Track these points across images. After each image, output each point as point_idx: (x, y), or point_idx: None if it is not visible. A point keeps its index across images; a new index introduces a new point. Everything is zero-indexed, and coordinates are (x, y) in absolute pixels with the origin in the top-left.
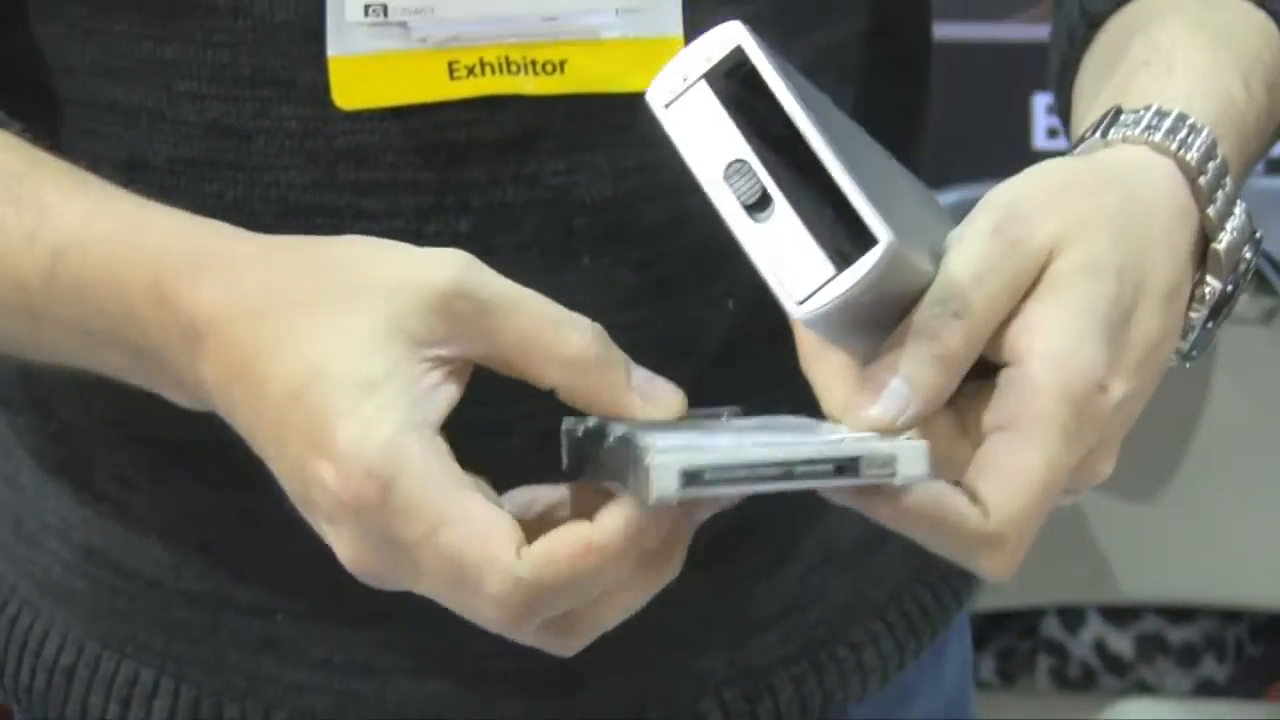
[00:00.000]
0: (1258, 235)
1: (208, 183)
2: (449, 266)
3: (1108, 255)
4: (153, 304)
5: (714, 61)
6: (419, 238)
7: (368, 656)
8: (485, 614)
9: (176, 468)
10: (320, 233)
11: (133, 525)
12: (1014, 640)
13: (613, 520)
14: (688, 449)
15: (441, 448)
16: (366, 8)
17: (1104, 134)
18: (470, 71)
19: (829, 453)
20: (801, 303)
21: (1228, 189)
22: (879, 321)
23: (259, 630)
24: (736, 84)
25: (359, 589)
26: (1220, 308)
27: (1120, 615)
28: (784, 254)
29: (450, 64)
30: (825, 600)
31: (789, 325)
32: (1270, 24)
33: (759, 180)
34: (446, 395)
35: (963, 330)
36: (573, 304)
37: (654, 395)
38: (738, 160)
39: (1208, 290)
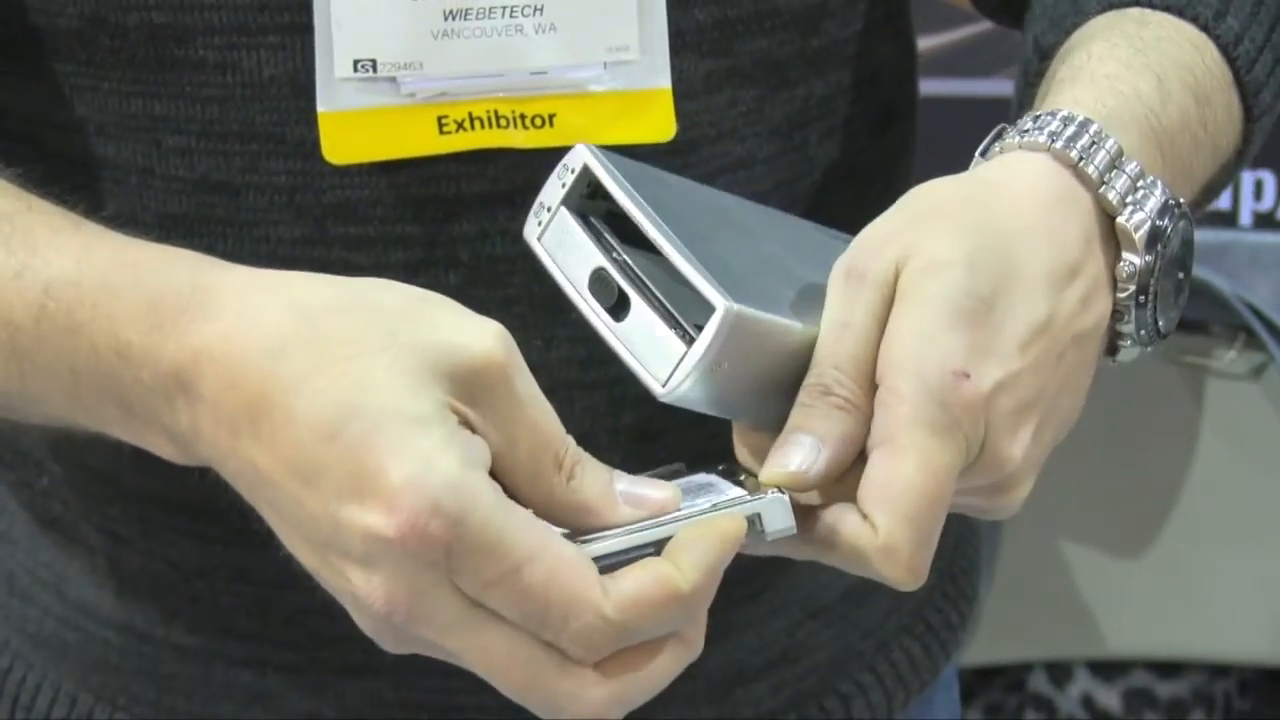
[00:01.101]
0: (1174, 204)
1: (197, 238)
2: (493, 339)
3: (951, 250)
4: (149, 338)
5: (568, 186)
6: None
7: (358, 709)
8: (569, 649)
9: (167, 523)
10: None
11: (124, 580)
12: (1001, 695)
13: (697, 565)
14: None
15: (501, 490)
16: (356, 63)
17: (984, 153)
18: (459, 126)
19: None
20: (664, 384)
21: (1129, 169)
22: (778, 383)
23: (250, 683)
24: (592, 203)
25: (349, 642)
26: (1147, 286)
27: (1108, 670)
28: (644, 345)
29: (439, 119)
30: (814, 652)
31: None
32: (1208, 43)
33: (615, 283)
34: (486, 449)
35: (848, 375)
36: (560, 357)
37: (641, 502)
38: (595, 269)
39: (1126, 267)
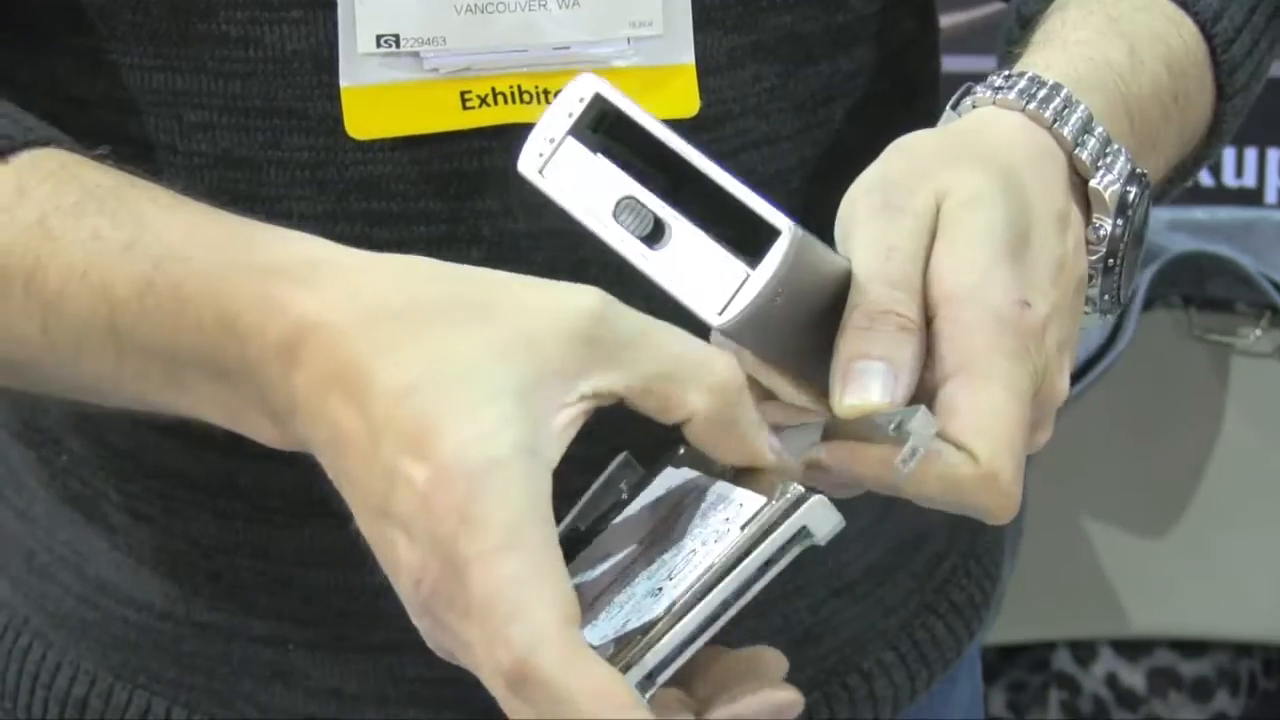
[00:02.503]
0: (1140, 172)
1: None
2: (590, 295)
3: (987, 184)
4: (257, 310)
5: (576, 115)
6: None
7: (380, 687)
8: (498, 660)
9: (188, 499)
10: None
11: (144, 557)
12: (1025, 674)
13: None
14: (625, 653)
15: (545, 488)
16: (379, 38)
17: (954, 106)
18: (482, 101)
19: (751, 567)
20: (721, 312)
21: (1098, 133)
22: (804, 325)
23: (271, 660)
24: (603, 133)
25: (371, 618)
26: (1117, 250)
27: (1132, 649)
28: (692, 273)
29: (462, 94)
30: (837, 630)
31: None
32: (1186, 18)
33: (649, 211)
34: (568, 436)
35: (904, 296)
36: None
37: (783, 457)
38: (624, 198)
39: (1100, 231)
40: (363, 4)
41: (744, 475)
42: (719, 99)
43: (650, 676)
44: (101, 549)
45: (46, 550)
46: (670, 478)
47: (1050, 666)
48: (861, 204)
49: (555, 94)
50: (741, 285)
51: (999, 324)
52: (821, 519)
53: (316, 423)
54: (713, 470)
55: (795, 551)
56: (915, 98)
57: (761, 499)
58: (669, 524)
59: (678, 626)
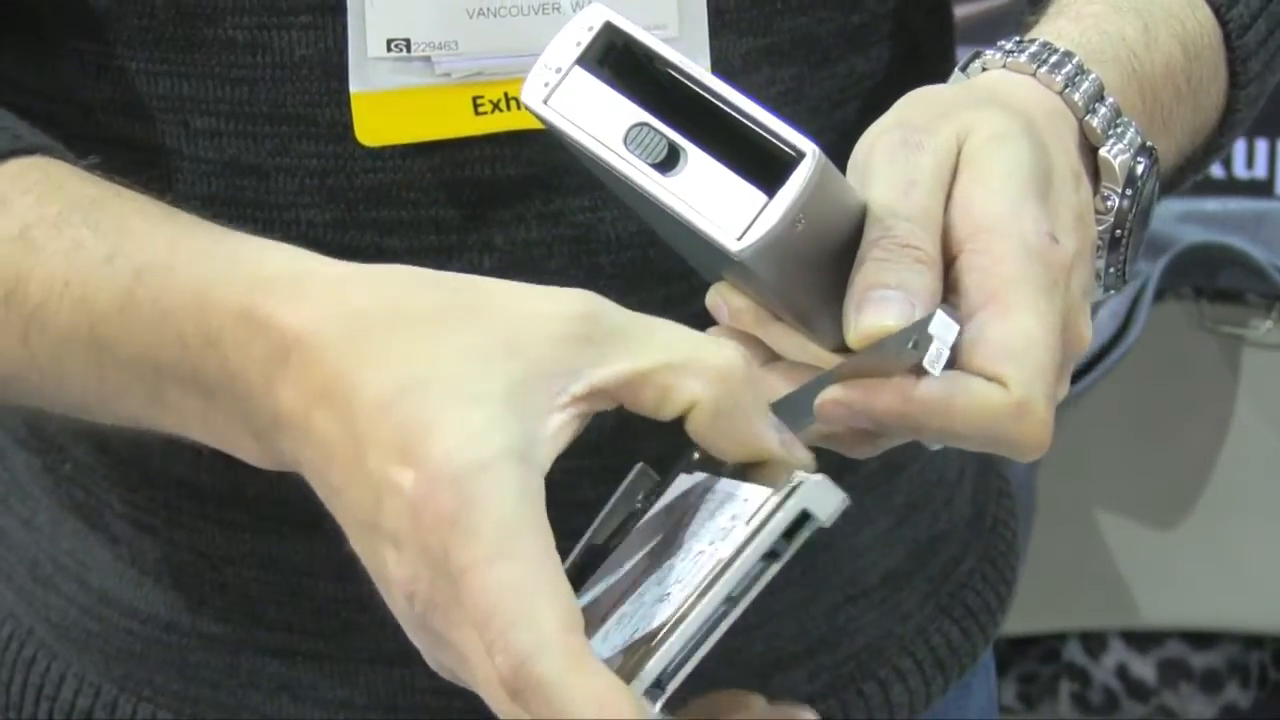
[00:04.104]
0: (1149, 145)
1: (226, 221)
2: (578, 297)
3: (1011, 124)
4: (241, 325)
5: (584, 45)
6: None
7: (389, 697)
8: (497, 667)
9: (194, 510)
10: None
11: (147, 568)
12: (1036, 665)
13: None
14: (632, 661)
15: (537, 493)
16: (389, 43)
17: (964, 68)
18: (495, 107)
19: (753, 558)
20: (741, 237)
21: (1109, 103)
22: (820, 259)
23: (277, 672)
24: (610, 64)
25: (381, 630)
26: (1124, 223)
27: (1142, 640)
28: (708, 199)
29: (475, 99)
30: (853, 636)
31: None
32: (1201, 2)
33: (663, 137)
34: (562, 440)
35: (923, 231)
36: None
37: (791, 446)
38: (635, 125)
39: (1109, 201)
40: (373, 8)
41: (752, 470)
42: None
43: (659, 684)
44: (104, 559)
45: (50, 560)
46: (682, 484)
47: (1061, 658)
48: (880, 143)
49: None
50: (762, 210)
51: (1029, 255)
52: (823, 500)
53: (302, 438)
54: (723, 471)
55: (802, 537)
56: None
57: (766, 490)
58: (678, 528)
59: (681, 627)
